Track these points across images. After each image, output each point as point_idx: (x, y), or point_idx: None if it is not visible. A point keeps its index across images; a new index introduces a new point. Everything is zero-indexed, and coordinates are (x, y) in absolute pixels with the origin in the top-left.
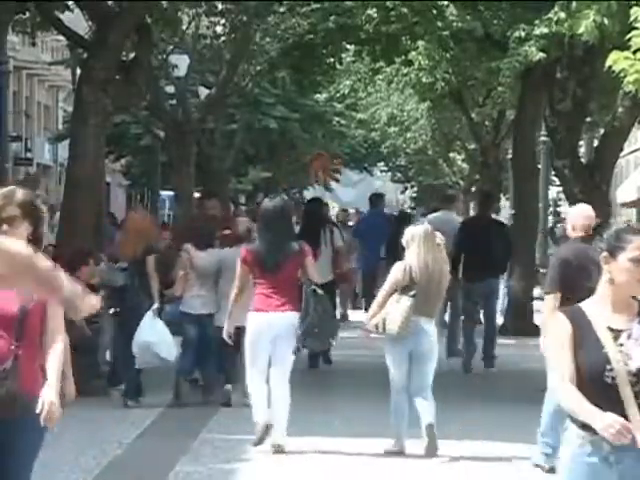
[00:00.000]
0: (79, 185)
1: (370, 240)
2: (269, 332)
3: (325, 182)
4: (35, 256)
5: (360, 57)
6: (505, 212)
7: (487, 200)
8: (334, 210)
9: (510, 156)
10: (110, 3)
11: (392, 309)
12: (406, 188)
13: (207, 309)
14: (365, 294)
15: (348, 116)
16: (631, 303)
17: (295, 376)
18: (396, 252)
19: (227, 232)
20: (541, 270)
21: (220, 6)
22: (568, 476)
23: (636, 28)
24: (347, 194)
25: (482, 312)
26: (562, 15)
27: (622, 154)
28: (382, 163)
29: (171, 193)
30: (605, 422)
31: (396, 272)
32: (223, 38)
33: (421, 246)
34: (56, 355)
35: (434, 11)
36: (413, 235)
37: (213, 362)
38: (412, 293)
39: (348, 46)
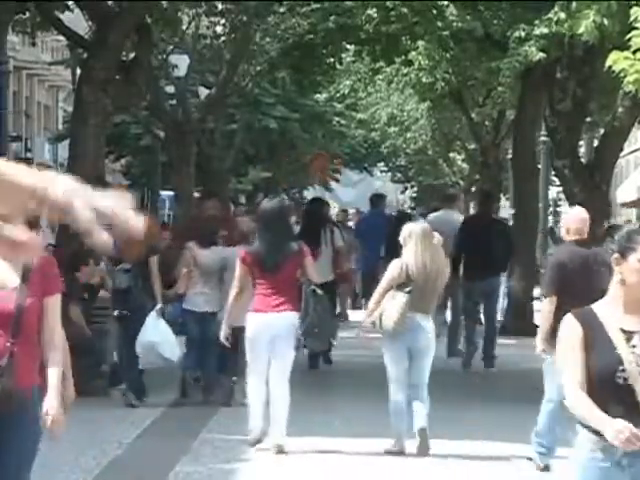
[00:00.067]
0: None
1: (370, 240)
2: (268, 332)
3: (324, 182)
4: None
5: (360, 57)
6: (505, 212)
7: (487, 199)
8: (334, 210)
9: (510, 156)
10: (110, 3)
11: (388, 305)
12: (406, 188)
13: (210, 307)
14: (365, 294)
15: (348, 116)
16: None
17: (295, 376)
18: (395, 252)
19: (225, 233)
20: (541, 270)
21: (220, 6)
22: None
23: (636, 28)
24: (347, 194)
25: (482, 312)
26: (562, 15)
27: (622, 154)
28: (382, 163)
29: (171, 193)
30: (615, 429)
31: (393, 269)
32: (223, 38)
33: (418, 244)
34: (56, 358)
35: (434, 11)
36: (411, 233)
37: (214, 361)
38: (408, 289)
39: (348, 46)
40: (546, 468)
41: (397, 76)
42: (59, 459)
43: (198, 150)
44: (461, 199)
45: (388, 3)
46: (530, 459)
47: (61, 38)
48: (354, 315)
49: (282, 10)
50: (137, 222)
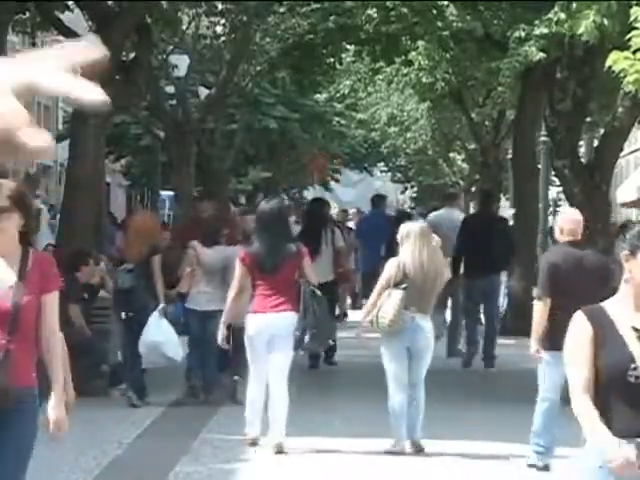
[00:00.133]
0: (79, 185)
1: (371, 240)
2: (267, 332)
3: (324, 182)
4: None
5: (360, 57)
6: (505, 212)
7: (488, 198)
8: (334, 210)
9: (510, 156)
10: (110, 3)
11: (384, 303)
12: (406, 188)
13: (212, 306)
14: (365, 294)
15: (348, 116)
16: None
17: (295, 376)
18: (395, 251)
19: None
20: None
21: (220, 6)
22: None
23: (636, 28)
24: (347, 194)
25: (483, 312)
26: (562, 15)
27: (622, 154)
28: (382, 163)
29: (171, 193)
30: (610, 455)
31: (390, 268)
32: (223, 38)
33: (416, 243)
34: (58, 358)
35: (434, 11)
36: (409, 232)
37: (214, 361)
38: (403, 286)
39: (348, 46)
40: (545, 468)
41: (397, 76)
42: (59, 459)
43: (198, 150)
44: (462, 198)
45: (388, 3)
46: (531, 466)
47: (61, 38)
48: (354, 315)
49: (282, 10)
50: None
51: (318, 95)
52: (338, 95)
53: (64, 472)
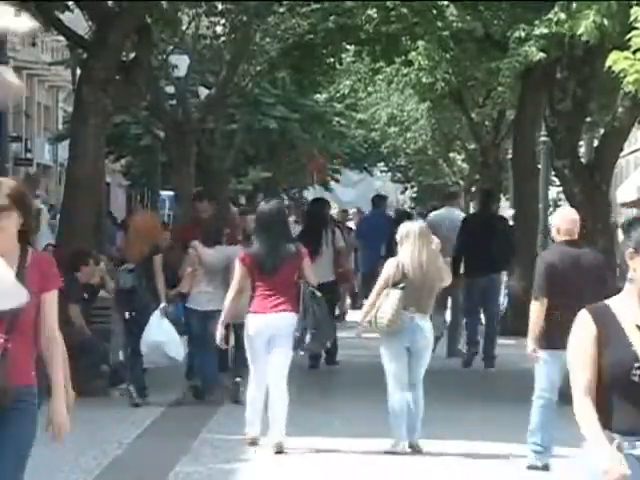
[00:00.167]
0: (79, 185)
1: (371, 240)
2: (266, 333)
3: (324, 182)
4: None
5: (360, 57)
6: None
7: (488, 198)
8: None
9: (510, 156)
10: (110, 3)
11: (382, 303)
12: (406, 188)
13: (213, 306)
14: (365, 294)
15: (348, 116)
16: None
17: (295, 376)
18: (394, 251)
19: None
20: None
21: (220, 6)
22: None
23: (636, 28)
24: (347, 194)
25: (483, 312)
26: (562, 15)
27: (622, 154)
28: (382, 163)
29: (171, 193)
30: (605, 466)
31: (388, 268)
32: (223, 38)
33: (415, 243)
34: (59, 357)
35: (434, 11)
36: (408, 232)
37: (214, 361)
38: (401, 286)
39: (348, 46)
40: (545, 467)
41: (397, 76)
42: (59, 459)
43: (198, 150)
44: (462, 197)
45: (388, 3)
46: (531, 467)
47: (61, 38)
48: (354, 315)
49: (282, 10)
50: None
51: (318, 95)
52: (338, 95)
53: (64, 472)
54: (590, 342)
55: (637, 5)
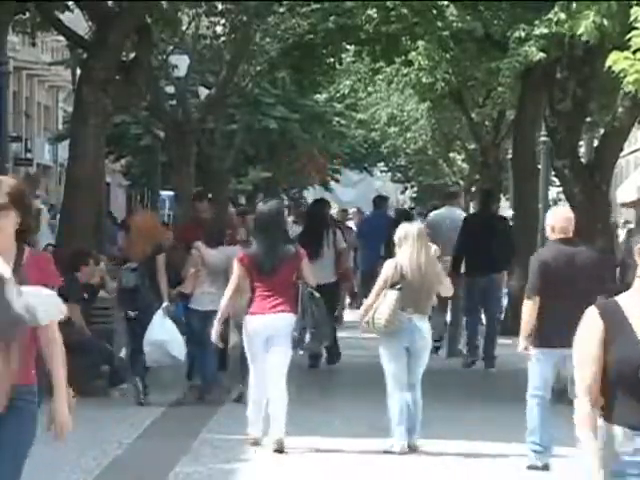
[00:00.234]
0: (79, 185)
1: (372, 240)
2: (265, 333)
3: (324, 182)
4: None
5: (360, 57)
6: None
7: (488, 198)
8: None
9: (510, 156)
10: (110, 3)
11: (379, 303)
12: (406, 188)
13: (215, 306)
14: (364, 293)
15: (348, 116)
16: None
17: (295, 376)
18: (392, 251)
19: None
20: None
21: (220, 6)
22: None
23: (636, 28)
24: (347, 194)
25: (483, 312)
26: (562, 16)
27: (622, 154)
28: (382, 163)
29: (171, 193)
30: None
31: (387, 269)
32: (223, 38)
33: (414, 245)
34: (59, 356)
35: (434, 11)
36: (406, 234)
37: (214, 361)
38: (398, 287)
39: (348, 46)
40: (545, 467)
41: (397, 76)
42: (60, 459)
43: (198, 150)
44: (462, 196)
45: (388, 3)
46: (531, 467)
47: (61, 38)
48: (353, 315)
49: (282, 10)
50: None
51: (318, 95)
52: (338, 95)
53: (65, 472)
54: (595, 340)
55: (637, 5)
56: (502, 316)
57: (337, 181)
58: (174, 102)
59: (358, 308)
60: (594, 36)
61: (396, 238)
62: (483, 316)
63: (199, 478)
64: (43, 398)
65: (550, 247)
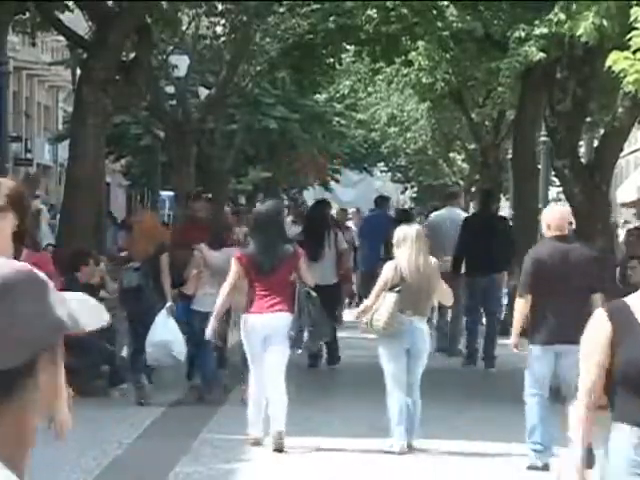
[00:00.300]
0: (79, 185)
1: (372, 241)
2: (262, 332)
3: (324, 182)
4: None
5: (360, 57)
6: (505, 212)
7: (488, 198)
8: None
9: (510, 156)
10: (110, 3)
11: (379, 305)
12: (406, 188)
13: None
14: (364, 294)
15: (348, 116)
16: None
17: (294, 375)
18: (391, 252)
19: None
20: None
21: (220, 6)
22: None
23: (636, 28)
24: (347, 194)
25: (484, 312)
26: (562, 16)
27: (622, 154)
28: (382, 163)
29: (171, 193)
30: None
31: (387, 271)
32: (223, 38)
33: (413, 247)
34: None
35: (434, 11)
36: (405, 235)
37: (214, 360)
38: (397, 289)
39: (348, 46)
40: (545, 467)
41: (397, 76)
42: (60, 459)
43: (198, 150)
44: (462, 197)
45: (388, 3)
46: (531, 467)
47: (61, 38)
48: (353, 315)
49: (282, 10)
50: None
51: (318, 95)
52: (338, 95)
53: (65, 472)
54: (602, 343)
55: (637, 5)
56: (502, 316)
57: (337, 181)
58: (174, 102)
59: (357, 307)
60: (593, 37)
61: (394, 240)
62: (483, 316)
63: (199, 478)
64: None
65: (546, 244)
